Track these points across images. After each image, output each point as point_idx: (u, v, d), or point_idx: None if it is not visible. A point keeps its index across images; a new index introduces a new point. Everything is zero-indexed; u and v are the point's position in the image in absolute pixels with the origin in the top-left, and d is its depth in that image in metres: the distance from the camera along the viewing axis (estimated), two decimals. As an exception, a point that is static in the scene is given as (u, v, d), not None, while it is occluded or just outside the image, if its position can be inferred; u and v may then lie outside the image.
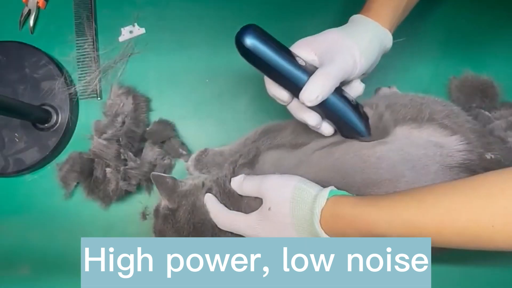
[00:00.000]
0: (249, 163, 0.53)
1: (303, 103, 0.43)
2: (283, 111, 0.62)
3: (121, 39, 0.67)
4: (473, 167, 0.46)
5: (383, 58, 0.58)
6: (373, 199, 0.42)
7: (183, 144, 0.63)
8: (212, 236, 0.49)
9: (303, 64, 0.43)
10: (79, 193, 0.62)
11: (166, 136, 0.62)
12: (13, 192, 0.65)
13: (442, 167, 0.46)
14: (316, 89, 0.42)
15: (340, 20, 0.50)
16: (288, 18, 0.66)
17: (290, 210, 0.44)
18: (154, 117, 0.64)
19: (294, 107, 0.46)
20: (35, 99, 0.64)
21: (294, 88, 0.43)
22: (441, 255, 0.57)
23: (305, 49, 0.45)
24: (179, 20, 0.67)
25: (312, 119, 0.46)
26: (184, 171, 0.62)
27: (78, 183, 0.62)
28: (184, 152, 0.63)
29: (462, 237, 0.38)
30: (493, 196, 0.37)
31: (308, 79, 0.42)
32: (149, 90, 0.65)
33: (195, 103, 0.65)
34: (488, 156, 0.47)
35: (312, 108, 0.44)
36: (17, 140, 0.64)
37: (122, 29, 0.67)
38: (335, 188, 0.45)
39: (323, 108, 0.44)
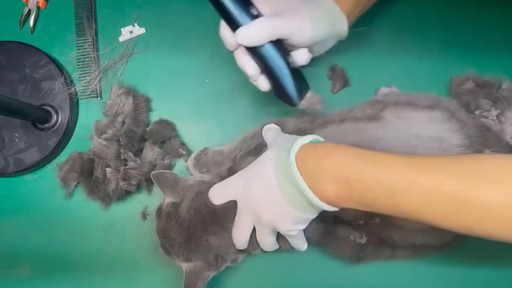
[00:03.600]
0: (254, 150, 0.53)
1: (238, 43, 0.46)
2: (283, 112, 0.62)
3: (121, 39, 0.67)
4: None
5: (383, 58, 0.58)
6: (359, 147, 0.43)
7: (183, 144, 0.63)
8: (211, 219, 0.49)
9: (255, 13, 0.46)
10: (79, 193, 0.62)
11: (166, 136, 0.62)
12: (13, 192, 0.65)
13: None
14: (251, 30, 0.45)
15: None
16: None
17: (277, 148, 0.45)
18: (154, 117, 0.64)
19: (238, 55, 0.49)
20: (35, 99, 0.64)
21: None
22: (444, 252, 0.58)
23: (263, 3, 0.47)
24: (179, 20, 0.67)
25: (251, 68, 0.48)
26: (184, 171, 0.62)
27: (78, 183, 0.62)
28: (184, 152, 0.63)
29: (437, 193, 0.37)
30: (478, 163, 0.38)
31: None
32: (149, 90, 0.65)
33: (195, 103, 0.65)
34: (487, 152, 0.47)
35: (253, 59, 0.48)
36: (17, 140, 0.64)
37: (122, 29, 0.67)
38: (322, 139, 0.46)
39: (260, 58, 0.47)
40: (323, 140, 0.46)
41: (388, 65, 0.64)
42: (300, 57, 0.49)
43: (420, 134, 0.48)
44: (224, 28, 0.48)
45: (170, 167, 0.63)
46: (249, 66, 0.48)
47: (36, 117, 0.62)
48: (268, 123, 0.55)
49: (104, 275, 0.62)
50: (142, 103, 0.63)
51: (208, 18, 0.67)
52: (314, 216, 0.45)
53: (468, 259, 0.60)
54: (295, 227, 0.46)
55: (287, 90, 0.49)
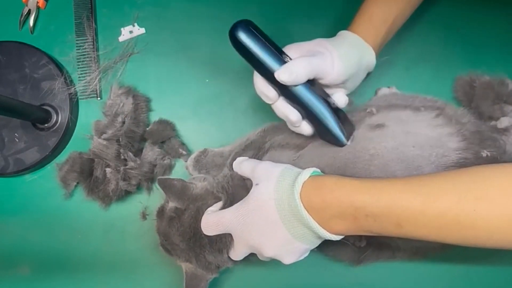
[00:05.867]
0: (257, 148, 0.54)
1: (278, 95, 0.47)
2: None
3: (121, 39, 0.67)
4: (469, 166, 0.46)
5: (383, 57, 0.58)
6: (359, 179, 0.43)
7: (183, 144, 0.63)
8: (209, 243, 0.49)
9: (287, 60, 0.46)
10: (79, 193, 0.62)
11: (166, 136, 0.62)
12: (13, 192, 0.65)
13: (436, 168, 0.46)
14: (291, 68, 0.45)
15: (337, 24, 0.53)
16: (286, 19, 0.66)
17: (274, 185, 0.44)
18: (154, 117, 0.64)
19: (279, 105, 0.49)
20: (35, 99, 0.64)
21: (278, 82, 0.46)
22: (443, 253, 0.58)
23: (294, 50, 0.48)
24: (179, 20, 0.67)
25: (293, 115, 0.48)
26: (184, 171, 0.62)
27: (78, 183, 0.62)
28: (184, 152, 0.63)
29: (444, 219, 0.38)
30: (477, 182, 0.38)
31: None
32: (149, 90, 0.65)
33: (195, 103, 0.65)
34: (484, 153, 0.47)
35: (293, 106, 0.48)
36: (17, 140, 0.64)
37: (122, 29, 0.67)
38: (319, 171, 0.46)
39: (301, 103, 0.47)
40: (319, 171, 0.46)
41: (389, 65, 0.64)
42: (339, 99, 0.50)
43: (417, 140, 0.48)
44: (260, 82, 0.48)
45: (170, 167, 0.63)
46: (292, 113, 0.48)
47: (36, 117, 0.62)
48: (268, 124, 0.55)
49: (104, 275, 0.62)
50: (142, 103, 0.63)
51: (208, 18, 0.67)
52: (318, 243, 0.46)
53: (468, 259, 0.60)
54: (300, 258, 0.47)
55: (332, 131, 0.48)
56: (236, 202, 0.47)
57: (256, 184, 0.46)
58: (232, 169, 0.52)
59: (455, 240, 0.39)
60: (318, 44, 0.49)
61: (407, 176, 0.43)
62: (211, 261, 0.50)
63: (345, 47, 0.50)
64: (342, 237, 0.44)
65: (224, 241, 0.48)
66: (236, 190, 0.50)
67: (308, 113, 0.48)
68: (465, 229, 0.38)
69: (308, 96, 0.47)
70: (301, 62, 0.46)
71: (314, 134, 0.51)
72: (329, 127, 0.48)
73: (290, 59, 0.47)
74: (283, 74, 0.45)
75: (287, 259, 0.46)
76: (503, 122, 0.54)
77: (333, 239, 0.43)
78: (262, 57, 0.46)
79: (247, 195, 0.46)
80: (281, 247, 0.45)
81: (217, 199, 0.50)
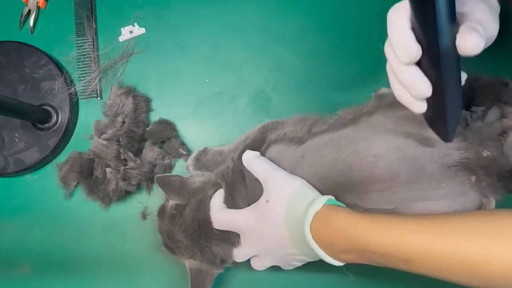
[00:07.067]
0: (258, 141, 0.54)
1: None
2: (282, 112, 0.62)
3: (121, 39, 0.67)
4: (471, 165, 0.46)
5: (383, 58, 0.58)
6: (370, 213, 0.43)
7: (183, 144, 0.63)
8: (213, 232, 0.49)
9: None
10: (79, 193, 0.62)
11: (166, 136, 0.62)
12: (13, 192, 0.65)
13: (439, 167, 0.46)
14: (479, 29, 0.35)
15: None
16: (289, 19, 0.66)
17: (286, 207, 0.44)
18: (154, 117, 0.64)
19: (413, 69, 0.37)
20: (35, 99, 0.64)
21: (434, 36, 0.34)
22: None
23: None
24: (179, 20, 0.67)
25: (426, 84, 0.37)
26: (184, 171, 0.62)
27: (78, 183, 0.62)
28: (184, 152, 0.63)
29: (452, 260, 0.37)
30: (490, 222, 0.37)
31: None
32: (149, 90, 0.65)
33: (195, 103, 0.65)
34: (485, 153, 0.47)
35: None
36: (17, 140, 0.64)
37: (122, 29, 0.67)
38: (334, 198, 0.45)
39: (441, 77, 0.36)
40: (333, 199, 0.45)
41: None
42: (470, 40, 0.35)
43: (418, 140, 0.48)
44: (407, 30, 0.35)
45: (170, 167, 0.63)
46: (425, 81, 0.37)
47: (36, 117, 0.62)
48: (268, 122, 0.55)
49: (104, 275, 0.62)
50: (142, 103, 0.63)
51: (208, 18, 0.67)
52: None
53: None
54: (301, 263, 0.49)
55: (448, 122, 0.40)
56: (235, 194, 0.49)
57: (267, 201, 0.46)
58: (235, 163, 0.52)
59: (464, 279, 0.37)
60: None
61: (418, 215, 0.42)
62: (217, 253, 0.50)
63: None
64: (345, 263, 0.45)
65: (234, 233, 0.49)
66: (234, 182, 0.50)
67: (437, 91, 0.37)
68: (475, 268, 0.36)
69: (454, 70, 0.37)
70: (490, 24, 0.37)
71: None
72: (448, 117, 0.39)
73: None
74: (471, 37, 0.34)
75: (290, 267, 0.49)
76: (503, 123, 0.54)
77: (338, 265, 0.44)
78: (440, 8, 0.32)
79: (245, 188, 0.47)
80: (287, 256, 0.47)
81: (216, 187, 0.51)
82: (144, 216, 0.62)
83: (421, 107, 0.39)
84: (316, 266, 0.60)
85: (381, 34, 0.65)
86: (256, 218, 0.47)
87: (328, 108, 0.56)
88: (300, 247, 0.45)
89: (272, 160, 0.50)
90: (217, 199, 0.51)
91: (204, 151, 0.59)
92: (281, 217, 0.44)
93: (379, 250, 0.40)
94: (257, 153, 0.50)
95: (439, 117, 0.40)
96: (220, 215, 0.49)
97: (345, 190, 0.46)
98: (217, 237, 0.49)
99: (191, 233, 0.49)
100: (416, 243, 0.38)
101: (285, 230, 0.44)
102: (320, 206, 0.43)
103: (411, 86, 0.38)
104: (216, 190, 0.51)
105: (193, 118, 0.65)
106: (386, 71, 0.41)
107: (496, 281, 0.36)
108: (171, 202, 0.52)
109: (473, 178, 0.45)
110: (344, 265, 0.44)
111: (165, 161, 0.62)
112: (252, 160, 0.49)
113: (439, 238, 0.38)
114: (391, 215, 0.42)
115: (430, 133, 0.48)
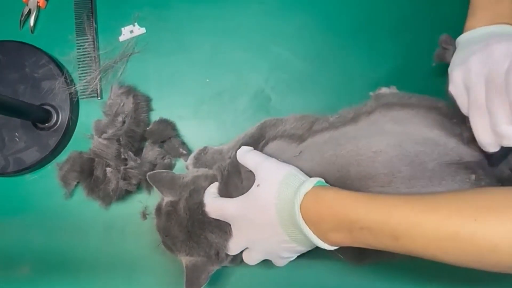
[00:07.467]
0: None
1: None
2: (282, 111, 0.62)
3: (121, 38, 0.67)
4: (471, 165, 0.46)
5: (384, 57, 0.58)
6: (357, 192, 0.43)
7: (183, 144, 0.63)
8: (207, 217, 0.50)
9: None
10: (79, 193, 0.62)
11: (167, 135, 0.63)
12: (13, 192, 0.65)
13: (439, 164, 0.46)
14: None
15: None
16: (288, 19, 0.67)
17: (276, 190, 0.45)
18: (155, 116, 0.65)
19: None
20: (35, 99, 0.64)
21: None
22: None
23: None
24: (179, 20, 0.67)
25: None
26: (184, 171, 0.62)
27: (78, 182, 0.62)
28: (184, 152, 0.63)
29: (440, 233, 0.37)
30: (480, 195, 0.38)
31: None
32: (149, 90, 0.65)
33: (195, 103, 0.65)
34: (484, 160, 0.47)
35: None
36: (17, 140, 0.64)
37: (122, 28, 0.67)
38: (323, 181, 0.46)
39: None
40: (323, 181, 0.45)
41: (389, 65, 0.64)
42: None
43: (418, 138, 0.48)
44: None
45: (170, 166, 0.63)
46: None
47: (36, 117, 0.62)
48: (267, 119, 0.55)
49: (104, 275, 0.62)
50: (142, 103, 0.63)
51: (208, 18, 0.67)
52: (314, 247, 0.47)
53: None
54: (294, 256, 0.50)
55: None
56: (229, 187, 0.50)
57: (258, 185, 0.46)
58: (232, 159, 0.52)
59: (452, 256, 0.37)
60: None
61: (409, 193, 0.43)
62: (212, 241, 0.50)
63: None
64: (336, 248, 0.44)
65: (226, 222, 0.50)
66: (230, 174, 0.51)
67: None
68: (464, 243, 0.36)
69: None
70: None
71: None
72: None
73: None
74: None
75: (280, 261, 0.49)
76: None
77: (328, 249, 0.44)
78: None
79: (240, 182, 0.48)
80: (277, 245, 0.47)
81: (208, 180, 0.52)
82: (144, 215, 0.62)
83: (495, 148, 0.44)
84: (315, 266, 0.61)
85: (381, 33, 0.66)
86: (247, 205, 0.47)
87: (328, 108, 0.56)
88: (290, 230, 0.45)
89: (270, 155, 0.50)
90: (212, 189, 0.51)
91: (204, 150, 0.59)
92: (272, 200, 0.45)
93: (367, 225, 0.40)
94: (250, 148, 0.51)
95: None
96: (213, 201, 0.50)
97: (344, 185, 0.46)
98: (211, 224, 0.49)
99: (185, 225, 0.50)
100: (404, 216, 0.38)
101: (275, 214, 0.45)
102: (310, 186, 0.44)
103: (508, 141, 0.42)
104: (212, 183, 0.52)
105: (193, 117, 0.65)
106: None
107: (485, 254, 0.36)
108: (166, 199, 0.52)
109: (473, 176, 0.46)
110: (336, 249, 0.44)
111: (166, 161, 0.62)
112: (245, 154, 0.50)
113: (426, 212, 0.38)
114: (380, 194, 0.42)
115: (430, 133, 0.48)
